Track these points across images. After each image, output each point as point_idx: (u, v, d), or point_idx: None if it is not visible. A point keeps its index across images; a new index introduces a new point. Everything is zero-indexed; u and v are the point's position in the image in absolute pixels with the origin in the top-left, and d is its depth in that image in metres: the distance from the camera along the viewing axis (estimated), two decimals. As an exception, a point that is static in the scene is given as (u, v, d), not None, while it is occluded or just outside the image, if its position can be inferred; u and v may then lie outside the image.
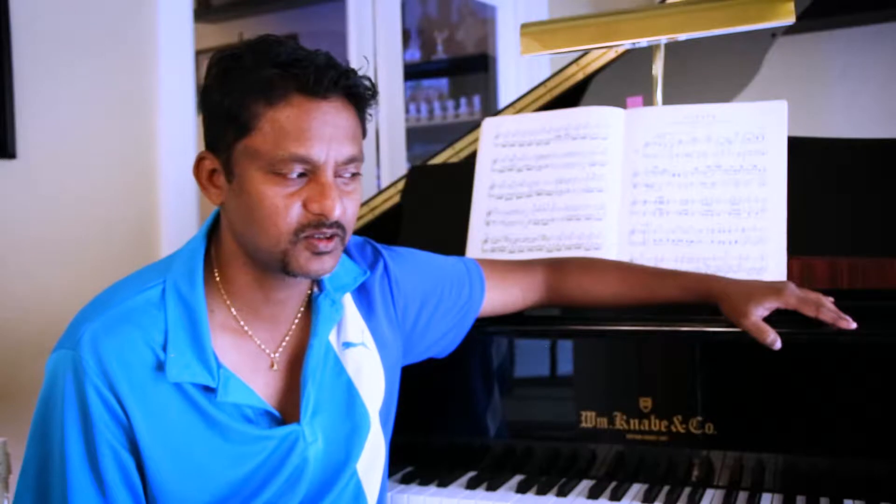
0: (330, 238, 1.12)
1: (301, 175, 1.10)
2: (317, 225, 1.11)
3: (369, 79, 1.17)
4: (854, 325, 1.29)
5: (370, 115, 1.20)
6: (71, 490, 1.09)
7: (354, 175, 1.15)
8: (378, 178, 3.18)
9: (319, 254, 1.12)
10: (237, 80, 1.11)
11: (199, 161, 1.17)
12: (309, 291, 1.26)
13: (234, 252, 1.18)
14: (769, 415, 1.36)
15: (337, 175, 1.13)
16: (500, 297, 1.46)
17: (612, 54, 1.94)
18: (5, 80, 1.95)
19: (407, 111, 3.95)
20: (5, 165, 1.97)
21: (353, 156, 1.13)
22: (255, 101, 1.09)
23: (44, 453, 1.12)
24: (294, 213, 1.10)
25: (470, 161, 1.82)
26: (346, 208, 1.14)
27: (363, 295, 1.31)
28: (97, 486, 1.10)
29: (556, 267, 1.50)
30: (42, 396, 1.14)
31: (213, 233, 1.22)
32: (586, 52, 1.95)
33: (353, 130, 1.14)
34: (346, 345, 1.26)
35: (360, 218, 2.08)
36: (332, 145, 1.10)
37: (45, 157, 2.04)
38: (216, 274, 1.20)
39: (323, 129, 1.10)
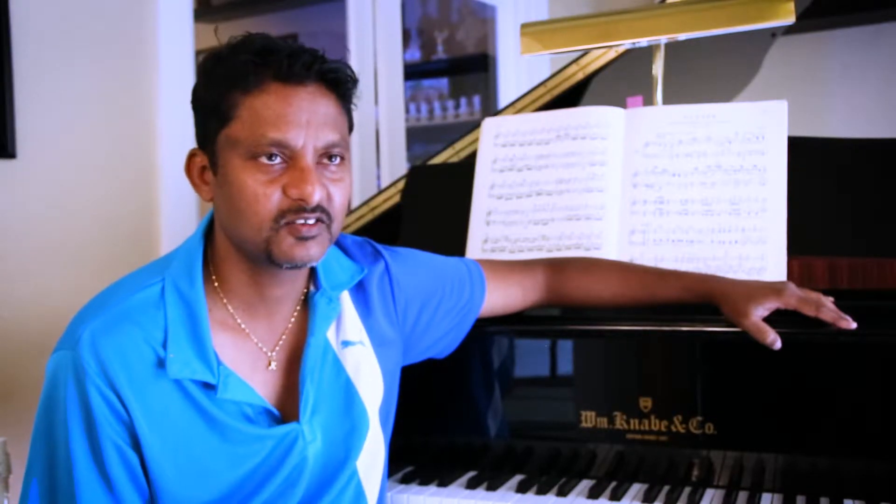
0: (314, 224, 1.12)
1: (281, 162, 1.11)
2: (297, 210, 1.11)
3: (348, 65, 1.17)
4: (854, 325, 1.29)
5: (355, 104, 1.20)
6: (79, 490, 1.10)
7: (340, 162, 1.15)
8: (378, 178, 3.18)
9: (303, 239, 1.12)
10: (216, 74, 1.13)
11: (190, 158, 1.19)
12: (305, 290, 1.26)
13: (227, 249, 1.18)
14: (769, 415, 1.36)
15: (320, 163, 1.13)
16: (500, 297, 1.46)
17: (612, 54, 1.94)
18: (5, 80, 1.95)
19: (407, 111, 3.95)
20: (5, 165, 1.97)
21: (333, 141, 1.13)
22: (232, 91, 1.11)
23: (49, 455, 1.13)
24: (274, 200, 1.10)
25: (470, 161, 1.82)
26: (333, 195, 1.14)
27: (361, 294, 1.31)
28: (105, 484, 1.11)
29: (556, 267, 1.50)
30: (44, 398, 1.14)
31: (209, 231, 1.22)
32: (586, 52, 1.95)
33: (332, 116, 1.14)
34: (345, 343, 1.26)
35: (359, 218, 2.09)
36: (309, 130, 1.11)
37: (45, 157, 2.04)
38: (212, 272, 1.20)
39: (299, 115, 1.10)
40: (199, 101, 1.16)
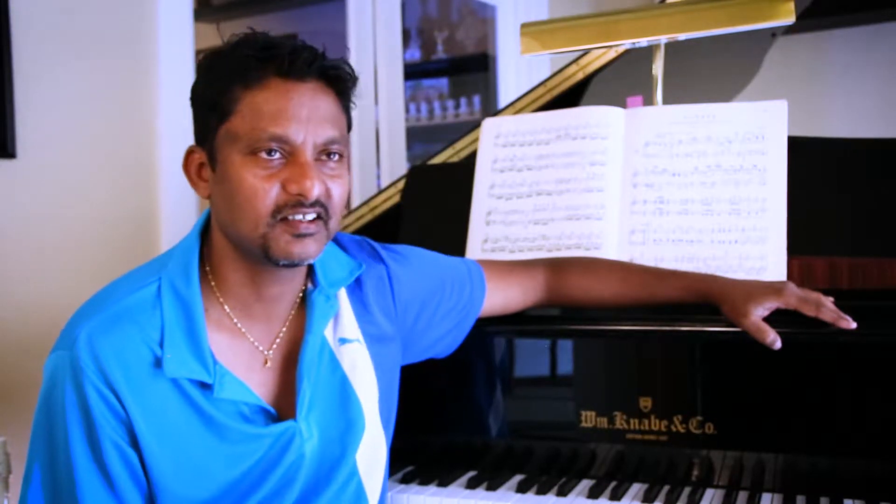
0: (312, 221, 1.13)
1: (280, 158, 1.11)
2: (295, 205, 1.11)
3: (348, 63, 1.18)
4: (854, 325, 1.29)
5: (354, 103, 1.20)
6: (80, 489, 1.10)
7: (339, 159, 1.16)
8: (378, 178, 3.18)
9: (300, 236, 1.12)
10: (217, 70, 1.14)
11: (188, 155, 1.19)
12: (303, 288, 1.26)
13: (224, 249, 1.18)
14: (769, 415, 1.36)
15: (319, 159, 1.13)
16: (500, 297, 1.46)
17: (612, 54, 1.94)
18: (5, 80, 1.95)
19: (407, 111, 3.95)
20: (5, 165, 1.97)
21: (332, 138, 1.14)
22: (233, 86, 1.12)
23: (49, 455, 1.13)
24: (272, 195, 1.11)
25: (470, 161, 1.82)
26: (332, 191, 1.14)
27: (357, 291, 1.31)
28: (105, 482, 1.11)
29: (556, 267, 1.49)
30: (42, 398, 1.14)
31: (206, 231, 1.22)
32: (586, 52, 1.95)
33: (332, 113, 1.15)
34: (342, 340, 1.26)
35: (359, 218, 2.09)
36: (309, 126, 1.11)
37: (45, 157, 2.04)
38: (209, 271, 1.20)
39: (300, 111, 1.11)
40: (198, 98, 1.17)
